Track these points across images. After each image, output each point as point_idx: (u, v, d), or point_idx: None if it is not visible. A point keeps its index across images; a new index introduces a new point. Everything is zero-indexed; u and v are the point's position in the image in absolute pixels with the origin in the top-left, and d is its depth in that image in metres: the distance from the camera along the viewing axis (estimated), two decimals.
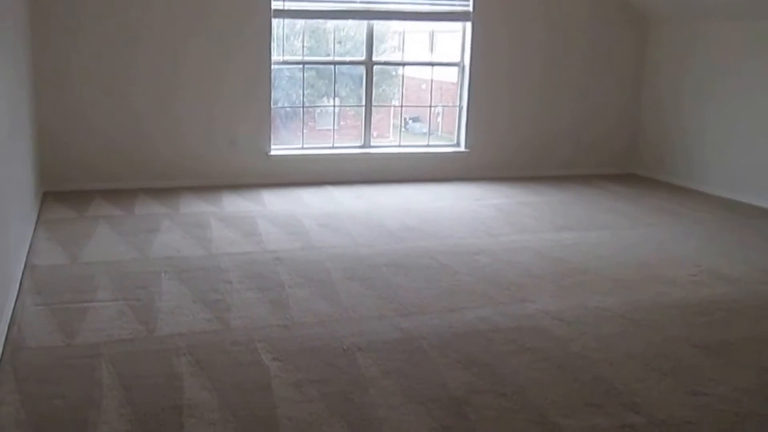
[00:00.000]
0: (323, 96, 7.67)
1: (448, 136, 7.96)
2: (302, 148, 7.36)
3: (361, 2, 7.11)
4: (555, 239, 5.51)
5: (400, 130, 7.94)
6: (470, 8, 7.41)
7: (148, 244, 5.08)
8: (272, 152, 7.10)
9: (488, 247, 5.24)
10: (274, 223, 5.72)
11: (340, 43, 7.60)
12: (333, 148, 7.46)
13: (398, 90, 7.91)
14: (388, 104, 7.87)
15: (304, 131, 7.46)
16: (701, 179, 7.45)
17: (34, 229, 5.35)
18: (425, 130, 8.05)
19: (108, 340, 3.50)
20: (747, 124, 6.93)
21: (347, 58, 7.53)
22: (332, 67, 7.41)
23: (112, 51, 6.48)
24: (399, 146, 7.74)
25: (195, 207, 6.17)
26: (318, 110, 7.75)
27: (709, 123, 7.34)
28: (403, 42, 7.88)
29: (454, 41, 7.68)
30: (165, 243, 5.11)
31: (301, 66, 7.30)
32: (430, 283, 4.43)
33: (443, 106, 8.12)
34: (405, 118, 8.27)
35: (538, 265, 4.84)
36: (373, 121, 7.56)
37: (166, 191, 6.66)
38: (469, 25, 7.46)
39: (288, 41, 7.23)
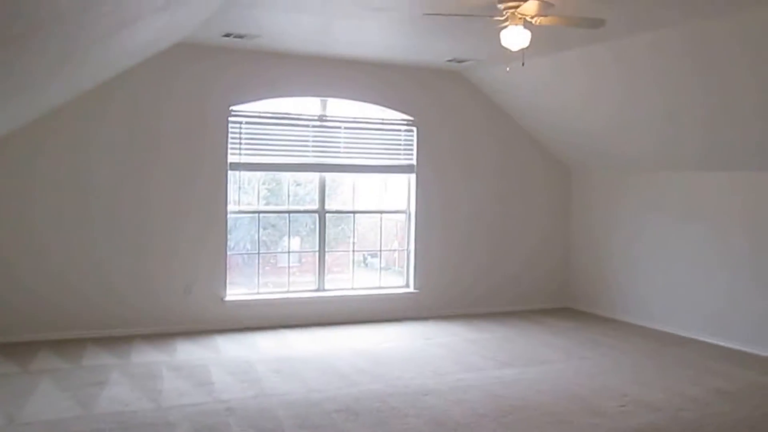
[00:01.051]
0: (284, 236, 8.02)
1: (402, 270, 8.35)
2: (258, 293, 7.62)
3: (314, 156, 7.64)
4: (498, 376, 5.78)
5: (354, 268, 8.24)
6: (414, 162, 8.05)
7: (93, 399, 4.98)
8: (227, 298, 7.33)
9: (436, 387, 5.46)
10: (228, 370, 5.82)
11: (298, 185, 8.06)
12: (288, 292, 7.73)
13: (355, 229, 8.34)
14: (341, 249, 8.25)
15: (265, 269, 7.74)
16: (627, 311, 8.07)
17: None
18: (383, 265, 8.46)
19: None
20: (666, 261, 7.57)
21: (301, 208, 7.97)
22: (287, 215, 7.84)
23: (64, 196, 6.67)
24: (352, 289, 8.06)
25: (147, 356, 6.18)
26: (279, 248, 8.07)
27: (632, 260, 7.99)
28: (355, 192, 8.37)
29: (404, 186, 8.24)
30: (112, 397, 5.03)
31: (256, 215, 7.69)
32: (380, 428, 4.57)
33: (392, 250, 8.55)
34: (364, 254, 8.66)
35: (482, 403, 5.06)
36: (332, 259, 7.94)
37: (118, 340, 6.66)
38: (413, 177, 8.08)
39: (244, 190, 7.64)
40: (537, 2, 4.69)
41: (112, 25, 4.00)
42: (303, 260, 8.27)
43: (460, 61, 7.52)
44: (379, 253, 8.41)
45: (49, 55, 3.98)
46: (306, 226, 8.04)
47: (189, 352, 6.37)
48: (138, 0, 3.70)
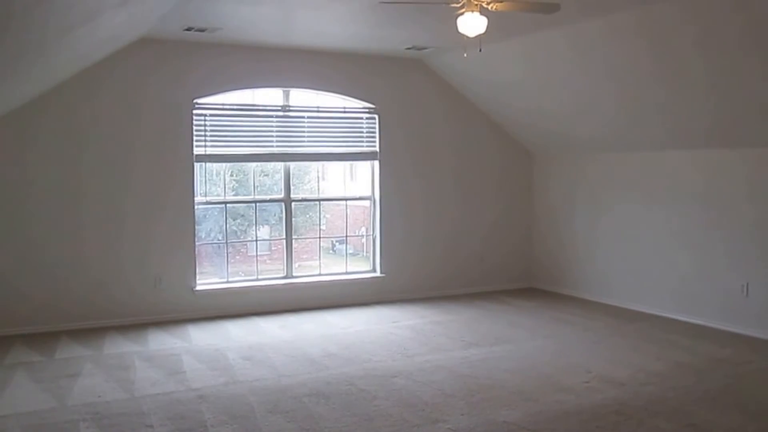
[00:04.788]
0: (252, 225, 8.09)
1: (370, 255, 8.48)
2: (227, 282, 7.71)
3: (278, 146, 7.72)
4: (465, 356, 5.96)
5: (321, 255, 8.36)
6: (377, 149, 8.18)
7: (67, 390, 5.06)
8: (198, 287, 7.42)
9: (404, 368, 5.62)
10: (199, 359, 5.92)
11: (266, 175, 8.14)
12: (257, 280, 7.84)
13: (322, 217, 8.46)
14: (308, 236, 8.37)
15: (236, 258, 7.85)
16: (590, 289, 8.30)
17: None
18: (351, 251, 8.58)
19: None
20: (628, 240, 7.81)
21: (267, 197, 8.05)
22: (254, 204, 7.92)
23: (32, 191, 6.73)
24: (320, 275, 8.18)
25: (119, 347, 6.27)
26: (248, 237, 8.14)
27: (594, 240, 8.22)
28: (319, 179, 8.47)
29: (368, 173, 8.36)
30: (86, 388, 5.12)
31: (223, 205, 7.76)
32: (350, 410, 4.71)
33: (359, 236, 8.69)
34: (332, 241, 8.77)
35: (450, 384, 5.23)
36: (300, 247, 8.06)
37: (91, 332, 6.75)
38: (377, 163, 8.21)
39: (212, 181, 7.70)
40: None
41: (69, 20, 4.03)
42: (273, 248, 8.37)
43: (419, 49, 7.64)
44: (345, 239, 8.52)
45: (4, 53, 3.99)
46: (274, 215, 8.14)
47: (161, 342, 6.46)
48: None
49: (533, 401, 4.87)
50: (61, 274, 6.87)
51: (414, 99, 8.38)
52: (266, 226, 8.26)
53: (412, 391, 5.09)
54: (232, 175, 8.06)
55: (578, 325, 7.06)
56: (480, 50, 6.01)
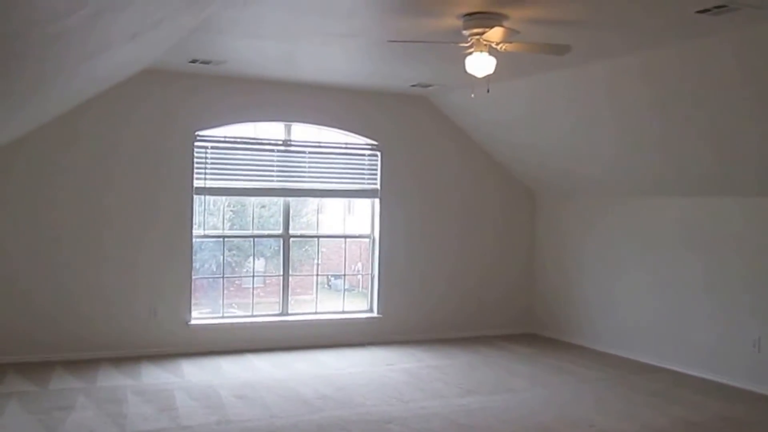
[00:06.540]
0: (249, 256, 8.01)
1: (366, 291, 8.37)
2: (222, 316, 7.60)
3: (278, 180, 7.66)
4: (462, 404, 5.81)
5: (318, 291, 8.23)
6: (378, 186, 8.11)
7: (60, 423, 5.02)
8: (192, 321, 7.31)
9: (399, 414, 5.48)
10: (192, 395, 5.82)
11: (263, 207, 8.06)
12: (252, 316, 7.73)
13: (319, 252, 8.35)
14: (305, 271, 8.26)
15: (230, 288, 7.75)
16: (592, 338, 8.10)
17: None
18: (347, 286, 8.48)
19: None
20: (630, 288, 7.67)
21: (265, 232, 7.96)
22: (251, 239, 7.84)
23: (30, 220, 6.68)
24: (315, 313, 8.06)
25: (113, 380, 6.20)
26: (245, 269, 8.05)
27: (597, 286, 8.08)
28: (319, 215, 8.39)
29: (368, 210, 8.29)
30: (78, 422, 5.05)
31: (221, 239, 7.68)
32: None
33: (355, 274, 8.58)
34: (328, 276, 8.67)
35: None
36: (296, 281, 8.00)
37: (85, 363, 6.68)
38: (377, 201, 8.14)
39: (210, 212, 7.63)
40: (502, 29, 4.73)
41: (78, 57, 3.99)
42: (268, 281, 8.26)
43: (425, 86, 7.62)
44: (344, 277, 8.40)
45: (15, 89, 3.96)
46: (271, 247, 8.05)
47: (154, 376, 6.37)
48: (106, 33, 3.70)
49: None
50: (58, 304, 6.80)
51: (417, 136, 8.34)
52: (262, 258, 8.16)
53: None
54: (229, 206, 7.98)
55: (579, 375, 6.88)
56: (488, 91, 5.96)
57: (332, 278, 8.76)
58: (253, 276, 7.98)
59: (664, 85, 6.01)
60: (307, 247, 8.36)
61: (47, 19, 2.70)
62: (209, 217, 7.65)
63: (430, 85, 7.58)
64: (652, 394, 6.28)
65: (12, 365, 6.51)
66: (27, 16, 2.54)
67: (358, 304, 8.37)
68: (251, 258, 7.95)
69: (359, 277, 8.59)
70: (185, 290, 7.27)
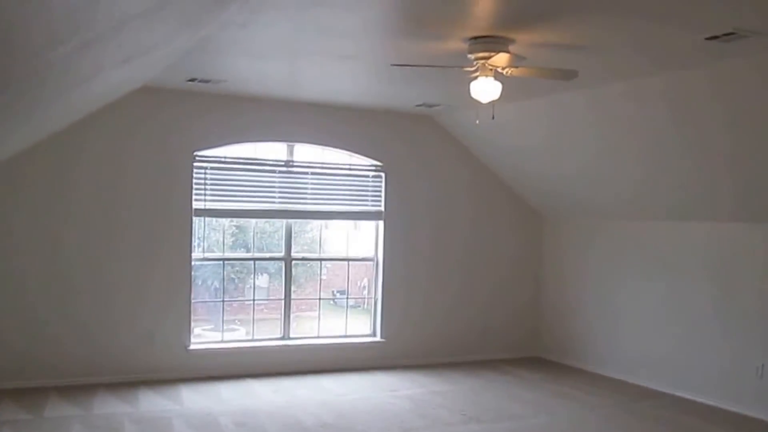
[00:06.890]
0: (249, 273, 7.87)
1: (369, 310, 8.21)
2: (222, 341, 7.46)
3: (280, 202, 7.54)
4: None
5: (321, 312, 8.08)
6: (382, 208, 7.97)
7: None
8: (192, 346, 7.17)
9: None
10: (190, 423, 5.68)
11: (267, 223, 7.95)
12: (253, 340, 7.59)
13: (323, 269, 8.22)
14: (308, 293, 8.13)
15: (233, 305, 7.62)
16: (597, 362, 7.95)
17: None
18: (352, 303, 8.32)
19: None
20: (636, 313, 7.52)
21: (267, 255, 7.85)
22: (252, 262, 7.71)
23: (26, 244, 6.56)
24: (318, 337, 7.92)
25: (109, 407, 6.06)
26: (248, 285, 7.91)
27: (604, 311, 7.93)
28: (322, 236, 8.25)
29: (371, 233, 8.15)
30: None
31: (221, 262, 7.56)
32: None
33: (359, 298, 8.43)
34: (333, 291, 8.52)
35: None
36: (300, 301, 7.89)
37: (81, 389, 6.53)
38: (381, 223, 8.00)
39: (210, 232, 7.51)
40: (508, 56, 4.63)
41: (74, 79, 3.90)
42: (271, 295, 8.13)
43: (430, 106, 7.50)
44: (346, 299, 8.26)
45: (12, 112, 3.87)
46: (275, 263, 7.91)
47: (152, 403, 6.23)
48: (99, 58, 3.60)
49: None
50: (53, 329, 6.66)
51: (422, 157, 8.21)
52: (266, 275, 8.02)
53: None
54: (230, 228, 7.86)
55: (585, 402, 6.72)
56: (493, 117, 5.75)
57: (338, 293, 8.62)
58: (254, 300, 7.84)
59: (684, 107, 5.83)
60: (310, 263, 8.23)
61: (42, 46, 2.62)
62: (212, 232, 7.52)
63: (436, 105, 7.46)
64: (657, 420, 6.17)
65: (6, 392, 6.32)
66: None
67: (363, 322, 8.20)
68: (253, 283, 7.81)
69: (365, 293, 8.43)
70: (184, 314, 7.13)
